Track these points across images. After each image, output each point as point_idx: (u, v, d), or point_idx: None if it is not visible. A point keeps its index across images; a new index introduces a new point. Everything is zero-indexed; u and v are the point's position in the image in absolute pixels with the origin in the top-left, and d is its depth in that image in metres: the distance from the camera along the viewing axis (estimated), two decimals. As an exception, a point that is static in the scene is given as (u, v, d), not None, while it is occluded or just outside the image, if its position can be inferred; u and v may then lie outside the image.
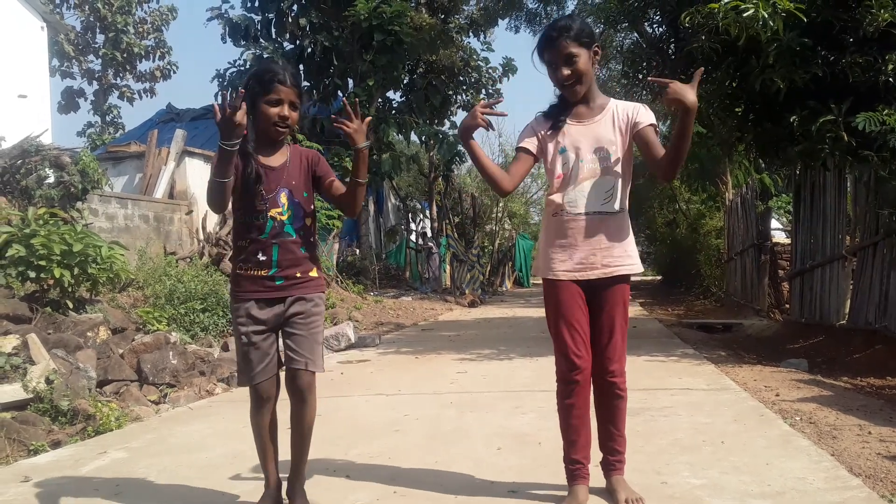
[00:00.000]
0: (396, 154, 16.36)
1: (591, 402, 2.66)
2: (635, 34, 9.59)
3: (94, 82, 27.70)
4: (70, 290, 5.82)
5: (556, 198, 2.60)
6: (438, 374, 5.84)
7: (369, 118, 2.64)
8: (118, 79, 27.95)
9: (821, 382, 5.00)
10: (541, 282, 2.69)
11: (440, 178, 20.45)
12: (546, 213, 2.69)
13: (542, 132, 2.65)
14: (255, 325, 2.54)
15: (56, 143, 9.16)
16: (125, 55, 26.60)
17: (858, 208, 6.93)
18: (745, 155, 9.19)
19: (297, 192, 2.59)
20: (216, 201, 2.44)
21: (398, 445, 3.55)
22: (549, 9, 15.72)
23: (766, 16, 4.96)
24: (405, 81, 17.57)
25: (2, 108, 10.11)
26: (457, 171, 21.46)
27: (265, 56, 15.23)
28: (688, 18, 5.63)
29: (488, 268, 23.43)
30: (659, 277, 26.59)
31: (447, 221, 20.39)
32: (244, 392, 2.68)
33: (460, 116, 19.11)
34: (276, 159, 2.59)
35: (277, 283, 2.54)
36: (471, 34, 18.38)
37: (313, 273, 2.60)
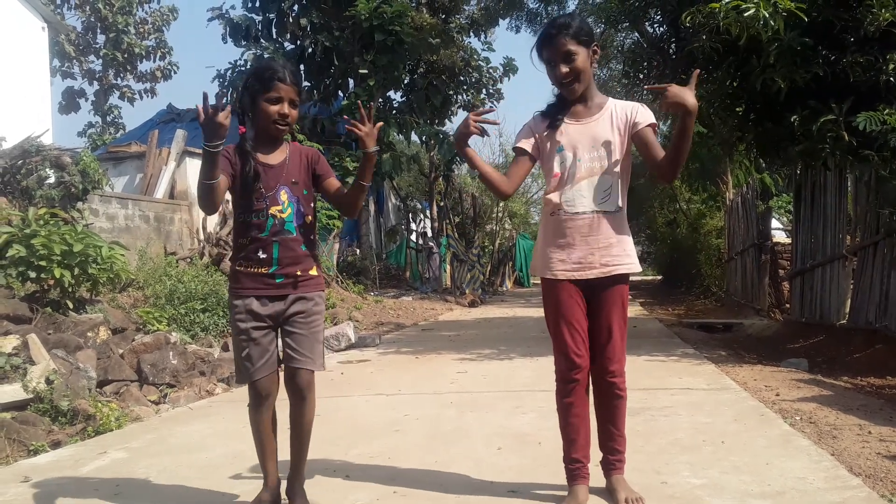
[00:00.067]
0: (397, 154, 16.36)
1: (591, 402, 2.66)
2: (636, 34, 9.60)
3: (95, 82, 27.72)
4: (70, 290, 5.82)
5: (554, 197, 2.60)
6: (438, 373, 5.84)
7: (381, 123, 2.63)
8: (119, 79, 27.96)
9: (821, 382, 5.00)
10: (540, 281, 2.69)
11: (441, 178, 20.45)
12: (544, 213, 2.69)
13: (540, 132, 2.65)
14: (256, 322, 2.53)
15: (57, 144, 9.18)
16: (126, 55, 26.61)
17: (859, 208, 6.93)
18: (745, 154, 9.18)
19: (296, 190, 2.59)
20: (206, 203, 2.45)
21: (398, 445, 3.55)
22: (549, 9, 15.73)
23: (767, 15, 4.95)
24: (406, 81, 17.57)
25: (2, 109, 10.11)
26: (457, 171, 21.45)
27: (266, 56, 15.24)
28: (689, 18, 5.63)
29: (488, 268, 23.43)
30: (659, 277, 26.59)
31: (447, 221, 20.39)
32: (244, 392, 2.68)
33: (461, 116, 19.14)
34: (276, 157, 2.59)
35: (277, 280, 2.54)
36: (471, 34, 18.39)
37: (313, 271, 2.60)
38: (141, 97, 28.67)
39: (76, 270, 5.71)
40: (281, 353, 2.60)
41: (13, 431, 3.74)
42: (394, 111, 17.42)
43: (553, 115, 2.63)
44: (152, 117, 21.59)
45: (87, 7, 25.63)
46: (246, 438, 2.77)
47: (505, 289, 24.83)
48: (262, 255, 2.53)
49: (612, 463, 2.66)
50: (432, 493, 2.77)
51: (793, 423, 3.70)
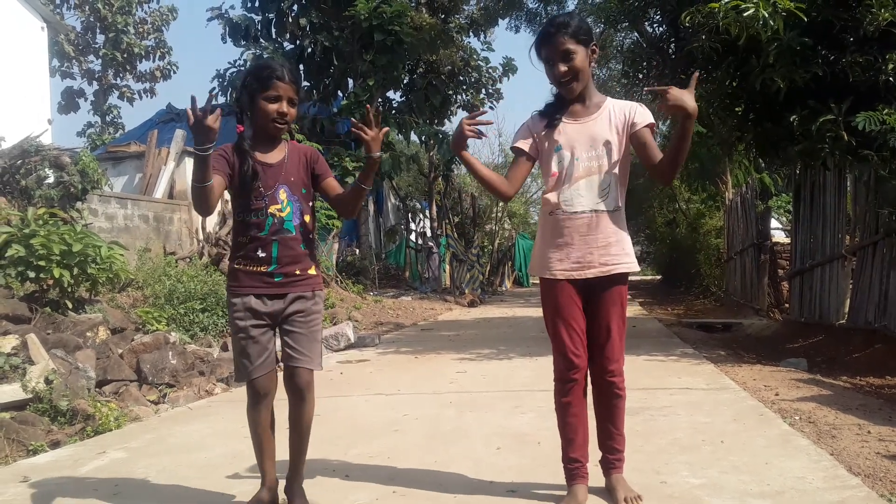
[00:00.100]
0: (396, 154, 16.36)
1: (590, 401, 2.66)
2: (636, 34, 9.59)
3: (94, 82, 27.71)
4: (69, 290, 5.82)
5: (552, 196, 2.60)
6: (438, 373, 5.84)
7: (386, 129, 2.63)
8: (118, 79, 27.95)
9: (820, 382, 5.00)
10: (539, 281, 2.69)
11: (440, 178, 20.46)
12: (542, 212, 2.69)
13: (538, 131, 2.65)
14: (255, 319, 2.53)
15: (56, 144, 9.18)
16: (125, 55, 26.60)
17: (858, 208, 6.93)
18: (744, 154, 9.20)
19: (295, 189, 2.58)
20: (200, 205, 2.44)
21: (397, 445, 3.55)
22: (549, 8, 15.73)
23: (767, 15, 4.96)
24: (405, 81, 17.57)
25: (1, 109, 10.11)
26: (456, 170, 21.44)
27: (265, 56, 15.24)
28: (688, 18, 5.63)
29: (488, 267, 23.42)
30: (658, 277, 26.60)
31: (447, 221, 20.40)
32: (243, 392, 2.67)
33: (460, 116, 19.08)
34: (274, 156, 2.59)
35: (276, 279, 2.53)
36: (471, 34, 18.39)
37: (312, 271, 2.60)
38: (140, 97, 28.67)
39: (75, 270, 5.71)
40: (279, 353, 2.60)
41: (12, 431, 3.74)
42: (393, 111, 17.42)
43: (551, 115, 2.63)
44: (151, 117, 21.58)
45: (87, 7, 25.62)
46: (245, 438, 2.77)
47: (504, 289, 24.84)
48: (261, 254, 2.52)
49: (611, 462, 2.66)
50: (432, 493, 2.77)
51: (792, 423, 3.70)
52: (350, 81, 16.40)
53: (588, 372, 2.62)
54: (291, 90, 2.52)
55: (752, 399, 4.35)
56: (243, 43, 16.06)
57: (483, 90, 19.52)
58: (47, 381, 4.25)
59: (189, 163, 12.01)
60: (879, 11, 4.99)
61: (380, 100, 16.58)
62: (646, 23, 8.23)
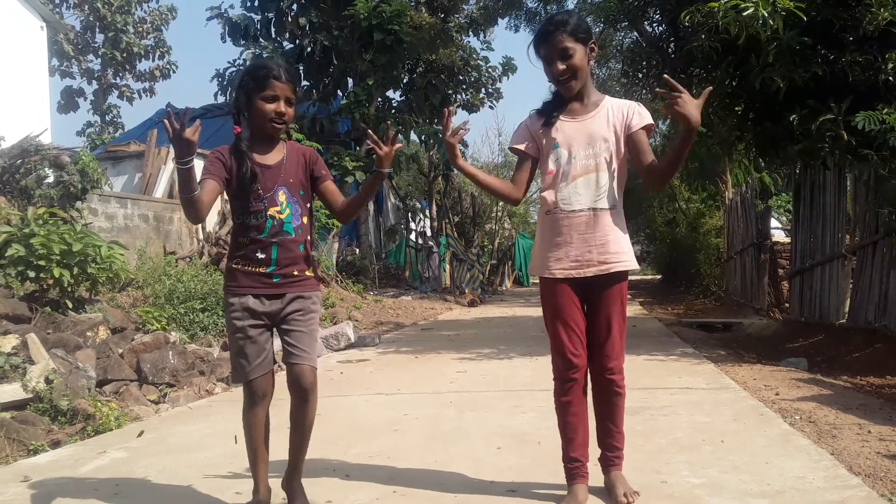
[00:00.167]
0: (396, 153, 16.34)
1: (590, 400, 2.66)
2: (635, 33, 9.59)
3: (94, 82, 27.73)
4: (69, 289, 5.82)
5: (549, 195, 2.60)
6: (438, 373, 5.84)
7: (400, 145, 2.61)
8: (118, 78, 27.97)
9: (820, 381, 5.00)
10: (539, 281, 2.69)
11: (440, 178, 20.46)
12: (540, 212, 2.69)
13: (536, 129, 2.65)
14: (252, 319, 2.51)
15: (55, 143, 9.16)
16: (125, 55, 26.62)
17: (858, 207, 6.93)
18: (744, 154, 9.20)
19: (294, 191, 2.57)
20: (189, 215, 2.43)
21: (397, 445, 3.55)
22: (549, 8, 15.72)
23: (766, 14, 4.96)
24: (405, 81, 17.58)
25: (1, 108, 10.11)
26: (456, 170, 21.43)
27: (265, 55, 15.24)
28: (688, 17, 5.63)
29: (488, 267, 23.42)
30: (658, 276, 26.60)
31: (447, 221, 20.39)
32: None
33: (460, 116, 19.13)
34: (273, 157, 2.57)
35: (275, 280, 2.52)
36: (470, 33, 18.39)
37: (309, 272, 2.59)
38: (140, 96, 28.71)
39: (75, 270, 5.71)
40: (278, 356, 2.59)
41: (13, 431, 3.74)
42: (393, 110, 17.42)
43: (549, 112, 2.63)
44: (151, 116, 21.58)
45: (86, 6, 25.63)
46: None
47: (504, 288, 24.83)
48: (260, 256, 2.51)
49: (610, 459, 2.66)
50: (432, 493, 2.77)
51: (792, 423, 3.70)
52: (350, 81, 16.41)
53: (588, 371, 2.62)
54: (289, 89, 2.51)
55: (752, 399, 4.35)
56: (243, 42, 16.07)
57: (483, 89, 19.53)
58: (47, 381, 4.25)
59: (189, 162, 11.99)
60: (879, 11, 4.99)
61: (379, 99, 16.59)
62: (645, 22, 8.23)
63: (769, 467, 2.93)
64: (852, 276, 6.90)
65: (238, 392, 4.83)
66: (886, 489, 2.66)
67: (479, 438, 3.62)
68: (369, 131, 2.70)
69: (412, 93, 17.56)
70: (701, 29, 5.69)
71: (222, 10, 16.27)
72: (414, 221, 21.16)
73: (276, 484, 2.66)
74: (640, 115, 2.58)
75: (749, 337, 8.46)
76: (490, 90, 19.70)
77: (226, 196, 2.60)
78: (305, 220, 2.60)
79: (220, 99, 17.07)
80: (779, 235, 12.45)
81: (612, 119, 2.57)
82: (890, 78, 5.21)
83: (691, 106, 2.32)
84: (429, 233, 21.05)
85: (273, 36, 16.37)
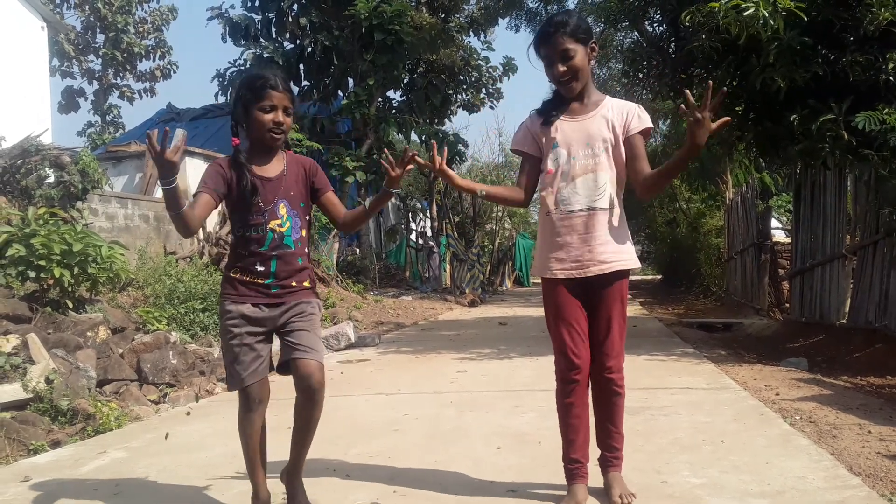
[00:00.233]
0: (396, 153, 16.34)
1: (590, 401, 2.66)
2: (636, 33, 9.60)
3: (95, 82, 27.75)
4: (70, 289, 5.82)
5: (549, 195, 2.60)
6: (438, 373, 5.84)
7: (411, 166, 2.60)
8: (118, 78, 27.99)
9: (821, 381, 5.00)
10: (540, 281, 2.69)
11: (440, 178, 20.43)
12: (540, 213, 2.68)
13: (536, 129, 2.65)
14: (250, 326, 2.49)
15: (56, 143, 9.17)
16: (125, 55, 26.63)
17: (859, 207, 6.93)
18: (745, 154, 9.19)
19: (294, 203, 2.56)
20: (179, 229, 2.42)
21: (398, 445, 3.55)
22: (549, 8, 15.72)
23: (767, 14, 4.95)
24: (405, 81, 17.59)
25: (1, 108, 10.11)
26: (457, 170, 21.43)
27: (265, 56, 15.26)
28: (688, 17, 5.63)
29: (488, 267, 23.43)
30: (659, 276, 26.60)
31: (447, 221, 20.39)
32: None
33: (460, 116, 19.16)
34: (273, 169, 2.55)
35: (273, 290, 2.51)
36: (471, 33, 18.40)
37: (307, 283, 2.58)
38: (140, 96, 28.72)
39: (76, 270, 5.71)
40: (273, 360, 2.57)
41: (13, 431, 3.74)
42: (393, 110, 17.43)
43: (549, 112, 2.63)
44: (152, 116, 21.64)
45: (87, 6, 25.64)
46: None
47: (505, 288, 24.83)
48: (259, 268, 2.50)
49: (609, 460, 2.66)
50: (432, 493, 2.77)
51: (792, 423, 3.70)
52: (350, 81, 16.42)
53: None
54: (286, 99, 2.49)
55: (752, 399, 4.35)
56: (243, 42, 16.09)
57: (483, 89, 19.54)
58: (48, 381, 4.25)
59: (189, 162, 12.02)
60: (879, 11, 4.99)
61: (380, 99, 16.59)
62: (646, 22, 8.23)
63: (769, 467, 2.93)
64: (853, 276, 6.90)
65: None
66: (887, 489, 2.66)
67: (479, 438, 3.62)
68: (386, 150, 2.71)
69: (413, 93, 17.57)
70: (701, 29, 5.69)
71: (223, 11, 16.29)
72: (414, 221, 21.17)
73: (274, 485, 2.66)
74: (639, 119, 2.57)
75: (749, 337, 8.46)
76: (490, 90, 19.72)
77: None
78: (305, 232, 2.59)
79: (221, 99, 17.10)
80: (779, 235, 12.45)
81: (612, 119, 2.57)
82: (890, 78, 5.21)
83: (705, 129, 2.30)
84: (429, 233, 21.04)
85: (273, 36, 16.38)
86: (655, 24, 7.97)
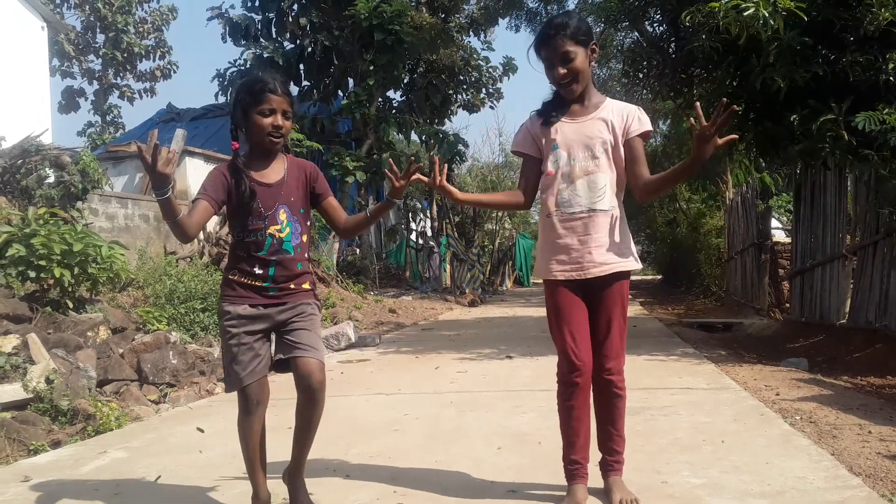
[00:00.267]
0: (397, 153, 16.36)
1: (591, 403, 2.65)
2: (636, 33, 9.60)
3: (95, 82, 27.74)
4: (70, 289, 5.82)
5: (549, 198, 2.60)
6: (438, 373, 5.84)
7: (416, 176, 2.59)
8: (118, 78, 27.98)
9: (821, 381, 5.00)
10: (541, 282, 2.68)
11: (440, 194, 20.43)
12: (541, 214, 2.68)
13: (536, 131, 2.65)
14: (249, 326, 2.49)
15: (56, 143, 9.17)
16: (125, 55, 26.63)
17: (859, 207, 6.93)
18: (745, 154, 9.19)
19: (295, 209, 2.55)
20: (178, 236, 2.44)
21: (398, 445, 3.55)
22: (549, 8, 15.72)
23: (767, 15, 4.95)
24: (405, 81, 17.58)
25: (1, 108, 10.11)
26: (457, 170, 21.46)
27: (265, 56, 15.25)
28: (688, 17, 5.63)
29: (488, 267, 23.44)
30: (659, 277, 26.60)
31: (447, 221, 20.39)
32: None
33: (461, 116, 19.17)
34: (273, 174, 2.55)
35: (271, 293, 2.51)
36: (471, 33, 18.40)
37: (306, 286, 2.58)
38: (140, 96, 28.71)
39: (76, 270, 5.71)
40: (274, 359, 2.57)
41: (13, 431, 3.74)
42: (393, 110, 17.42)
43: (549, 113, 2.62)
44: (152, 117, 21.64)
45: (87, 6, 25.64)
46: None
47: (505, 288, 24.84)
48: (258, 271, 2.50)
49: (609, 464, 2.65)
50: (432, 493, 2.77)
51: (793, 423, 3.70)
52: (350, 81, 16.41)
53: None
54: (285, 102, 2.48)
55: (752, 399, 4.35)
56: (243, 42, 16.08)
57: (483, 89, 19.54)
58: (48, 381, 4.25)
59: (189, 162, 12.03)
60: (880, 11, 4.99)
61: (380, 99, 16.59)
62: (646, 22, 8.24)
63: (770, 467, 2.93)
64: (853, 276, 6.90)
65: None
66: (887, 489, 2.66)
67: (479, 438, 3.62)
68: (391, 161, 2.71)
69: (413, 93, 17.56)
70: (702, 29, 5.69)
71: (223, 11, 16.28)
72: (414, 221, 21.17)
73: (275, 486, 2.66)
74: (639, 121, 2.57)
75: (749, 337, 8.46)
76: (491, 90, 19.72)
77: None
78: (305, 238, 2.59)
79: (221, 99, 17.09)
80: (779, 235, 12.45)
81: (612, 121, 2.57)
82: (891, 78, 5.21)
83: (711, 144, 2.30)
84: (429, 233, 21.05)
85: (274, 36, 16.37)
86: (655, 24, 7.98)
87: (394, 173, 2.57)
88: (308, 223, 2.63)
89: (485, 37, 19.00)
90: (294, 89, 15.58)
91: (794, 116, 5.58)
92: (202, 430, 4.01)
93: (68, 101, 27.44)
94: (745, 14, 5.00)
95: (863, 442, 3.35)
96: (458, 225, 21.84)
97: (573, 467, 2.60)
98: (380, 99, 16.66)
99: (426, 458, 3.27)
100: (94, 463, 3.40)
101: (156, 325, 6.45)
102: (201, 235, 10.97)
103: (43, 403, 4.15)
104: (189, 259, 9.79)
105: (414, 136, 17.30)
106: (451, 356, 6.82)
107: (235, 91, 2.58)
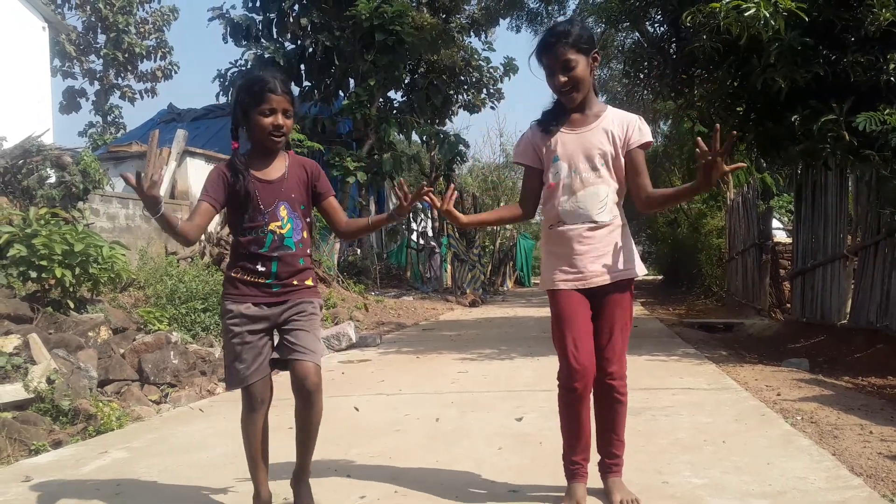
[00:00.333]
0: (397, 154, 16.38)
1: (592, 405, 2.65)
2: (636, 34, 9.60)
3: (96, 82, 27.77)
4: (71, 289, 5.83)
5: (551, 209, 2.60)
6: (439, 373, 5.84)
7: (425, 194, 2.58)
8: (119, 79, 28.01)
9: (822, 382, 4.99)
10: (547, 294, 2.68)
11: (441, 178, 20.46)
12: (543, 226, 2.69)
13: (537, 142, 2.64)
14: (252, 324, 2.50)
15: (57, 144, 9.18)
16: (126, 55, 26.65)
17: (860, 207, 6.92)
18: (746, 154, 9.18)
19: (295, 205, 2.56)
20: (180, 243, 2.48)
21: (399, 445, 3.55)
22: (550, 8, 15.73)
23: (768, 15, 4.96)
24: (406, 81, 17.60)
25: (2, 108, 10.12)
26: (458, 170, 21.45)
27: (266, 56, 15.27)
28: (689, 18, 5.63)
29: (489, 267, 23.43)
30: (660, 277, 26.59)
31: (448, 221, 20.37)
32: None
33: (461, 116, 19.19)
34: (274, 171, 2.56)
35: (274, 289, 2.52)
36: (472, 34, 18.42)
37: (309, 282, 2.59)
38: (142, 97, 28.73)
39: (77, 270, 5.72)
40: (276, 357, 2.57)
41: (14, 431, 3.75)
42: (394, 111, 17.43)
43: (549, 124, 2.62)
44: (153, 117, 21.65)
45: (88, 7, 25.66)
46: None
47: (506, 288, 24.84)
48: (260, 268, 2.51)
49: (609, 466, 2.65)
50: (433, 493, 2.77)
51: (794, 423, 3.70)
52: (351, 81, 16.43)
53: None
54: (286, 101, 2.48)
55: (753, 399, 4.34)
56: (244, 43, 16.10)
57: (484, 90, 19.55)
58: (49, 381, 4.25)
59: (190, 163, 12.03)
60: (881, 11, 4.99)
61: (381, 99, 16.59)
62: (647, 23, 8.24)
63: (771, 468, 2.93)
64: (854, 276, 6.90)
65: (239, 393, 4.84)
66: (888, 490, 2.66)
67: (480, 439, 3.62)
68: (402, 181, 2.71)
69: (414, 93, 17.57)
70: (702, 29, 5.69)
71: (224, 11, 16.30)
72: (415, 222, 21.16)
73: (275, 486, 2.66)
74: (640, 132, 2.56)
75: (750, 337, 8.45)
76: (491, 91, 19.73)
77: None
78: (306, 234, 2.60)
79: (222, 99, 17.11)
80: (780, 236, 12.44)
81: (613, 131, 2.56)
82: (891, 78, 5.21)
83: (718, 171, 2.31)
84: (430, 233, 21.05)
85: (275, 36, 16.39)
86: (656, 25, 7.98)
87: (403, 193, 2.56)
88: (308, 220, 2.63)
89: (486, 37, 19.03)
90: (295, 90, 15.58)
91: (795, 117, 5.58)
92: (202, 410, 4.01)
93: (69, 102, 27.46)
94: (746, 14, 5.00)
95: (864, 442, 3.35)
96: (459, 225, 21.79)
97: (573, 467, 2.60)
98: (381, 99, 16.67)
99: (427, 459, 3.27)
100: (96, 463, 3.40)
101: (157, 325, 6.46)
102: (202, 235, 10.98)
103: (44, 403, 4.15)
104: (190, 259, 9.80)
105: (415, 137, 17.32)
106: (452, 356, 6.82)
107: (236, 90, 2.59)
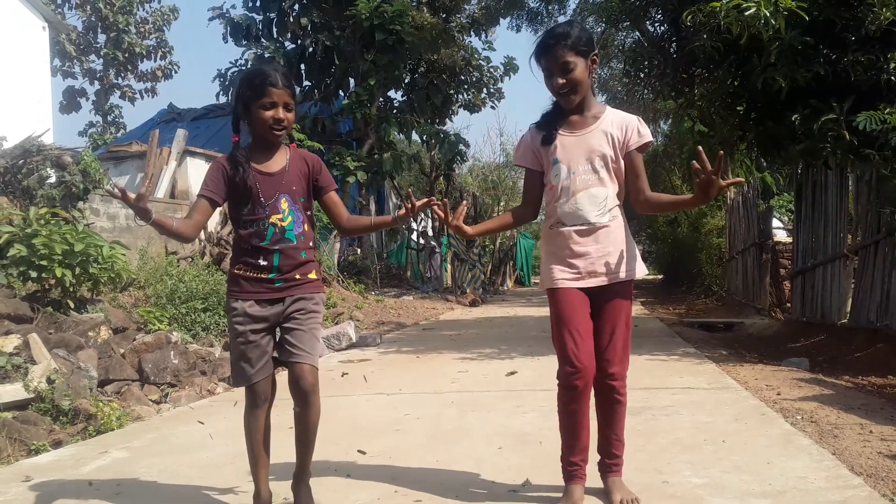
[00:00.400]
0: (397, 153, 16.37)
1: (591, 403, 2.65)
2: (637, 33, 9.60)
3: (96, 82, 27.77)
4: (71, 289, 5.83)
5: (551, 211, 2.61)
6: (439, 373, 5.84)
7: (424, 204, 2.59)
8: (119, 78, 28.02)
9: (822, 381, 4.99)
10: (547, 294, 2.68)
11: (441, 178, 20.47)
12: (543, 227, 2.69)
13: (536, 145, 2.64)
14: (254, 324, 2.51)
15: (57, 143, 9.17)
16: (126, 55, 26.66)
17: (860, 207, 6.92)
18: (746, 153, 9.19)
19: (296, 198, 2.56)
20: (178, 240, 2.51)
21: (399, 445, 3.55)
22: (550, 8, 15.73)
23: (768, 14, 4.96)
24: (406, 81, 17.59)
25: (2, 108, 10.12)
26: (458, 170, 21.46)
27: (266, 55, 15.27)
28: (689, 17, 5.63)
29: (489, 267, 23.42)
30: (660, 276, 26.58)
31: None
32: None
33: (461, 116, 19.19)
34: (275, 164, 2.56)
35: (277, 284, 2.53)
36: (472, 33, 18.40)
37: (312, 275, 2.59)
38: (142, 97, 28.74)
39: (77, 270, 5.72)
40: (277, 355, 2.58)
41: (14, 431, 3.75)
42: (394, 110, 17.42)
43: (548, 126, 2.62)
44: (153, 117, 21.64)
45: (88, 6, 25.67)
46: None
47: (506, 288, 24.83)
48: (262, 262, 2.51)
49: (609, 466, 2.66)
50: (433, 493, 2.77)
51: (794, 423, 3.70)
52: (351, 81, 16.42)
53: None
54: (287, 95, 2.49)
55: (753, 398, 4.34)
56: (244, 42, 16.10)
57: (484, 89, 19.54)
58: (49, 381, 4.25)
59: (190, 162, 12.04)
60: (881, 10, 4.99)
61: (381, 99, 16.58)
62: (647, 22, 8.23)
63: (771, 467, 2.93)
64: (854, 275, 6.89)
65: (239, 392, 4.85)
66: (888, 489, 2.66)
67: (480, 438, 3.62)
68: (410, 191, 2.70)
69: (414, 93, 17.56)
70: (703, 29, 5.69)
71: (224, 11, 16.30)
72: (416, 221, 21.16)
73: (276, 486, 2.66)
74: (638, 134, 2.56)
75: (751, 337, 8.45)
76: (492, 90, 19.71)
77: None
78: (307, 227, 2.60)
79: (222, 99, 17.11)
80: (780, 235, 12.43)
81: (612, 133, 2.56)
82: (892, 78, 5.21)
83: (715, 187, 2.33)
84: (430, 233, 21.04)
85: (275, 36, 16.39)
86: (657, 24, 7.98)
87: (412, 203, 2.55)
88: (310, 213, 2.63)
89: (486, 37, 19.00)
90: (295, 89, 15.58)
91: (796, 116, 5.58)
92: (202, 423, 4.02)
93: (69, 102, 27.46)
94: (747, 14, 5.00)
95: (864, 441, 3.35)
96: (459, 225, 21.78)
97: (572, 468, 2.60)
98: (381, 99, 16.66)
99: (427, 458, 3.27)
100: (96, 463, 3.40)
101: (157, 325, 6.46)
102: (202, 235, 10.98)
103: (44, 403, 4.15)
104: (190, 259, 9.80)
105: (415, 136, 17.32)
106: (452, 356, 6.82)
107: (237, 84, 2.59)
